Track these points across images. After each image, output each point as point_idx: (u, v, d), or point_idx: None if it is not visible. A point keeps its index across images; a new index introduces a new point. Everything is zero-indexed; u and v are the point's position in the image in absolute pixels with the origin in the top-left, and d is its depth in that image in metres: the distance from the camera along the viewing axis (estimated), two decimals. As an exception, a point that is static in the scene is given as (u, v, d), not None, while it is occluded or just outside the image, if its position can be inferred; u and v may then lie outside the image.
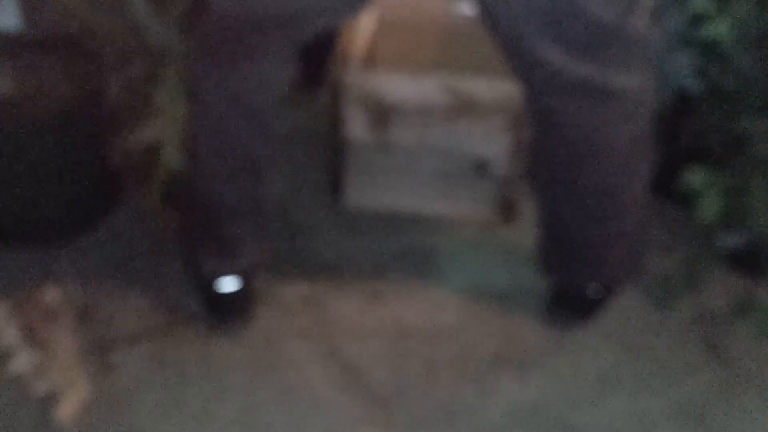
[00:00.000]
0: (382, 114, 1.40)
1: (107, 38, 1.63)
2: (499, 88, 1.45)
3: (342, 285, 1.53)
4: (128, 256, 1.54)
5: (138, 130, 1.58)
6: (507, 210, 1.60)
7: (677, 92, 1.85)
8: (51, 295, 1.42)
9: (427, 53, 1.65)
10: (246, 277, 1.40)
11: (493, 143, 1.48)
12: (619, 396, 1.35)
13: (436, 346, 1.42)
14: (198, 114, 1.32)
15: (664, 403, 1.34)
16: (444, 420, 1.30)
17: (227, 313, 1.43)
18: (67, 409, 1.25)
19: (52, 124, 1.50)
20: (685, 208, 1.67)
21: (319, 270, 1.56)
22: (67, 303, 1.42)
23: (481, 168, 1.50)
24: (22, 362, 1.30)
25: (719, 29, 1.42)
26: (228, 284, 1.38)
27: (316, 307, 1.48)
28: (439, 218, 1.67)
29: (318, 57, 1.87)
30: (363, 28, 1.50)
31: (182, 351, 1.37)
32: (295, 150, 1.75)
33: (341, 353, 1.39)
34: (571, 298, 1.46)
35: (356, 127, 1.41)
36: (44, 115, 1.50)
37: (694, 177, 1.39)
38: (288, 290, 1.50)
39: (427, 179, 1.50)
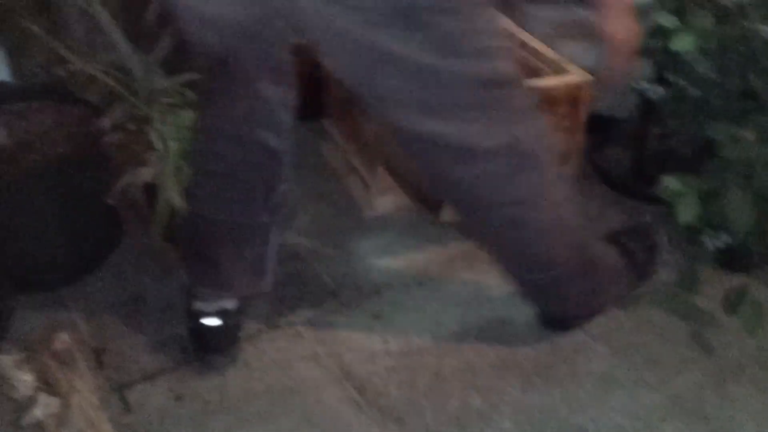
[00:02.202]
0: None
1: (95, 81, 1.62)
2: (565, 80, 1.53)
3: (344, 308, 1.54)
4: (135, 294, 1.53)
5: (135, 169, 1.57)
6: None
7: (641, 99, 1.91)
8: (62, 340, 1.40)
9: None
10: (235, 310, 1.39)
11: (562, 130, 1.56)
12: (618, 394, 1.39)
13: (441, 359, 1.44)
14: (195, 140, 1.34)
15: (661, 398, 1.38)
16: (457, 429, 1.32)
17: (210, 346, 1.41)
18: (91, 453, 1.23)
19: (49, 171, 1.48)
20: (659, 209, 1.73)
21: (319, 294, 1.56)
22: (80, 346, 1.40)
23: None
24: (41, 410, 1.28)
25: (684, 43, 1.47)
26: (211, 318, 1.37)
27: (322, 330, 1.48)
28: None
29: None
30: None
31: (199, 384, 1.36)
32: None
33: (353, 374, 1.40)
34: (552, 321, 1.50)
35: None
36: (40, 162, 1.48)
37: (671, 183, 1.43)
38: (293, 315, 1.51)
39: None
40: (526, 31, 1.95)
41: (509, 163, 1.18)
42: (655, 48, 1.77)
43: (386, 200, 1.78)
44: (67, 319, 1.46)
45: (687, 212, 1.41)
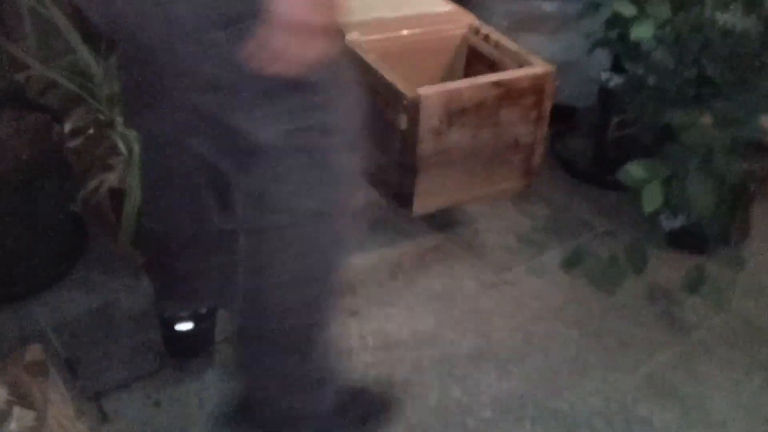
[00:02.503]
0: (447, 121, 1.45)
1: (55, 86, 1.58)
2: (529, 72, 1.51)
3: (319, 305, 1.53)
4: (105, 301, 1.49)
5: (100, 175, 1.53)
6: (531, 176, 1.65)
7: (599, 88, 1.94)
8: (34, 351, 1.36)
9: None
10: (206, 315, 1.37)
11: (526, 121, 1.54)
12: (592, 378, 1.41)
13: (419, 352, 1.44)
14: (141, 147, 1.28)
15: (633, 380, 1.41)
16: (439, 421, 1.32)
17: (184, 350, 1.38)
18: (71, 464, 1.21)
19: (11, 180, 1.44)
20: (621, 194, 1.77)
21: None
22: (52, 357, 1.36)
23: (516, 144, 1.56)
24: (16, 424, 1.24)
25: (643, 31, 1.50)
26: (183, 323, 1.35)
27: (298, 329, 1.47)
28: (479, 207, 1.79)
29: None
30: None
31: (177, 389, 1.34)
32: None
33: (331, 372, 1.40)
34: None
35: (425, 138, 1.45)
36: (1, 171, 1.44)
37: (635, 170, 1.45)
38: (268, 316, 1.50)
39: (477, 169, 1.55)
40: (485, 23, 1.96)
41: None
42: (613, 37, 1.81)
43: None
44: (37, 330, 1.43)
45: (652, 201, 1.44)
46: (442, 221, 1.76)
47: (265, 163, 0.97)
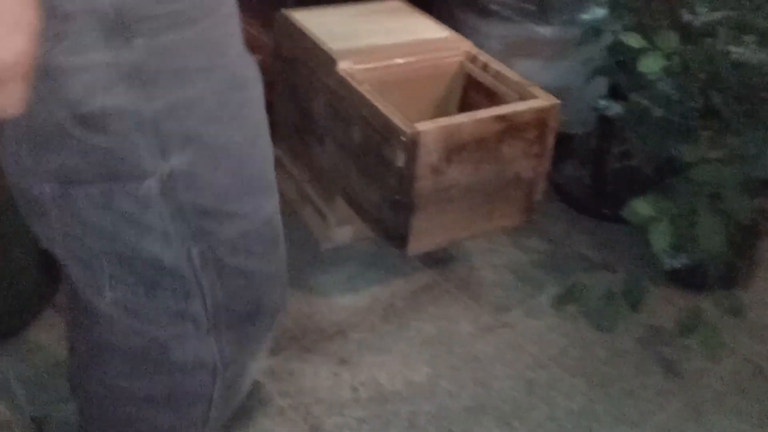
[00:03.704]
0: (447, 157, 1.34)
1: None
2: (533, 105, 1.41)
3: (307, 353, 1.42)
4: (77, 351, 1.36)
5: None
6: (531, 211, 1.54)
7: (598, 115, 1.85)
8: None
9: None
10: None
11: (528, 156, 1.44)
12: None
13: (414, 406, 1.33)
14: None
15: (644, 434, 1.31)
16: (437, 485, 1.22)
17: None
18: None
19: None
20: (619, 227, 1.68)
21: (280, 338, 1.44)
22: (18, 415, 1.24)
23: (517, 179, 1.46)
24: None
25: (651, 64, 1.40)
26: None
27: (286, 380, 1.36)
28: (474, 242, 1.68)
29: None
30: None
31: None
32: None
33: (322, 428, 1.28)
34: None
35: (423, 176, 1.33)
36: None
37: (641, 207, 1.36)
38: (253, 364, 1.38)
39: (476, 206, 1.44)
40: (478, 47, 1.86)
41: None
42: (614, 65, 1.72)
43: (344, 231, 1.66)
44: (1, 383, 1.29)
45: (661, 239, 1.35)
46: (436, 256, 1.66)
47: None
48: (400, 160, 1.33)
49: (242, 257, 0.77)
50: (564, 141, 1.98)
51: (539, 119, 1.42)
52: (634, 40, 1.41)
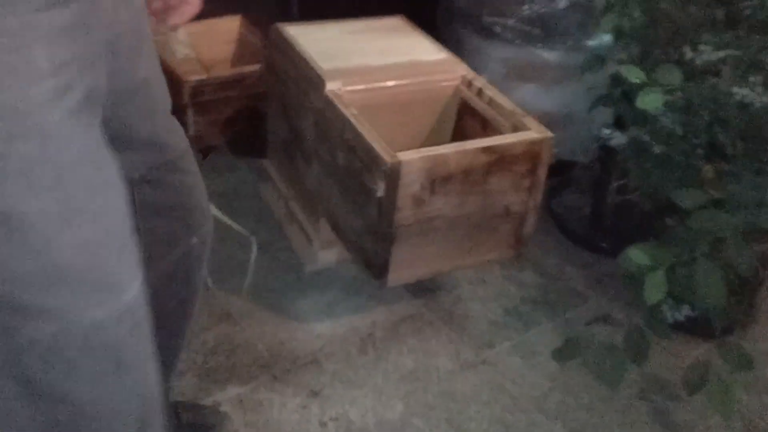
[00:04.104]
0: (430, 188, 1.29)
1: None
2: (525, 138, 1.34)
3: (277, 382, 1.36)
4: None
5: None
6: (520, 245, 1.47)
7: (600, 145, 1.78)
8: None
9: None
10: None
11: (518, 189, 1.38)
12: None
13: (384, 445, 1.28)
14: None
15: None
16: None
17: None
18: None
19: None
20: (616, 263, 1.60)
21: (251, 365, 1.39)
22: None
23: (506, 213, 1.39)
24: None
25: (650, 101, 1.33)
26: None
27: (253, 411, 1.31)
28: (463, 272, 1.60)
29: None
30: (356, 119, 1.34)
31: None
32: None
33: (285, 465, 1.23)
34: None
35: (404, 206, 1.28)
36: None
37: (637, 256, 1.28)
38: (220, 393, 1.33)
39: (461, 238, 1.38)
40: (479, 69, 1.80)
41: None
42: (617, 96, 1.65)
43: (329, 254, 1.61)
44: None
45: (655, 292, 1.27)
46: (421, 284, 1.60)
47: None
48: (380, 190, 1.27)
49: (59, 375, 0.58)
50: (564, 168, 1.92)
51: (531, 152, 1.36)
52: (633, 75, 1.34)
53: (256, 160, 1.85)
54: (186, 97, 1.78)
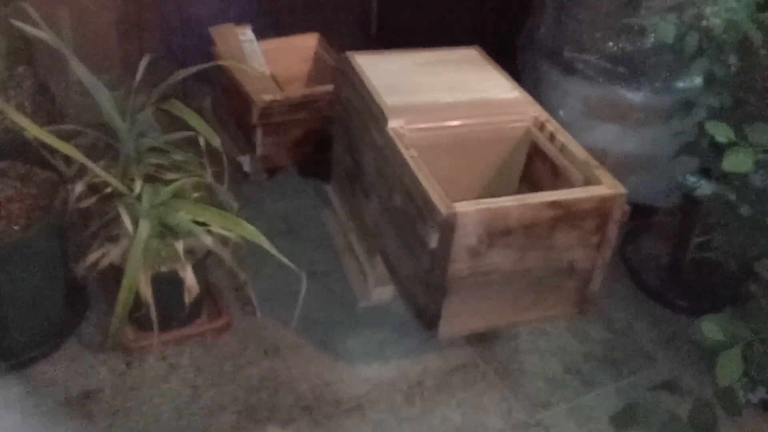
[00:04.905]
0: (488, 241, 1.22)
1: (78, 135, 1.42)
2: (595, 193, 1.25)
3: (317, 427, 1.31)
4: (87, 389, 1.32)
5: (102, 247, 1.37)
6: (585, 303, 1.38)
7: (683, 193, 1.64)
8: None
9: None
10: None
11: (586, 246, 1.29)
12: None
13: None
14: None
15: None
16: None
17: None
18: None
19: (11, 251, 1.28)
20: (692, 321, 1.47)
21: (293, 406, 1.34)
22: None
23: (571, 269, 1.31)
24: None
25: (739, 163, 1.20)
26: None
27: (289, 455, 1.26)
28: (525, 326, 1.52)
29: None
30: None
31: None
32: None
33: None
34: None
35: (459, 258, 1.22)
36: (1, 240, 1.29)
37: (711, 330, 1.16)
38: None
39: (520, 293, 1.31)
40: (557, 105, 1.70)
41: None
42: (704, 146, 1.52)
43: (383, 291, 1.54)
44: (3, 421, 1.27)
45: (729, 372, 1.14)
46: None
47: None
48: (434, 242, 1.20)
49: None
50: (643, 213, 1.79)
51: (602, 208, 1.26)
52: (722, 134, 1.21)
53: (322, 183, 1.81)
54: (255, 118, 1.75)
